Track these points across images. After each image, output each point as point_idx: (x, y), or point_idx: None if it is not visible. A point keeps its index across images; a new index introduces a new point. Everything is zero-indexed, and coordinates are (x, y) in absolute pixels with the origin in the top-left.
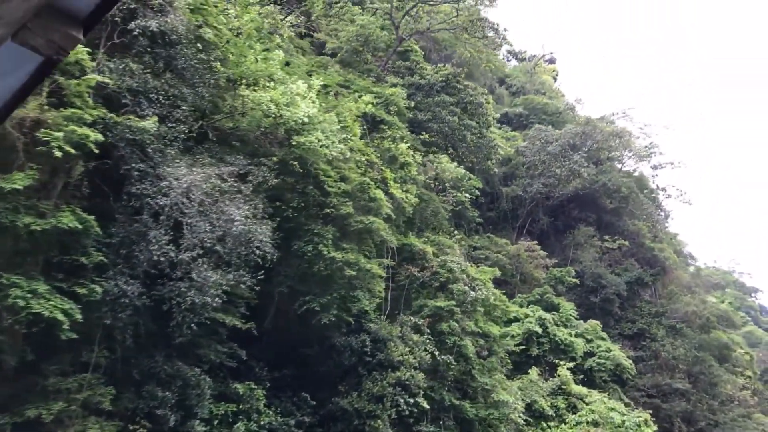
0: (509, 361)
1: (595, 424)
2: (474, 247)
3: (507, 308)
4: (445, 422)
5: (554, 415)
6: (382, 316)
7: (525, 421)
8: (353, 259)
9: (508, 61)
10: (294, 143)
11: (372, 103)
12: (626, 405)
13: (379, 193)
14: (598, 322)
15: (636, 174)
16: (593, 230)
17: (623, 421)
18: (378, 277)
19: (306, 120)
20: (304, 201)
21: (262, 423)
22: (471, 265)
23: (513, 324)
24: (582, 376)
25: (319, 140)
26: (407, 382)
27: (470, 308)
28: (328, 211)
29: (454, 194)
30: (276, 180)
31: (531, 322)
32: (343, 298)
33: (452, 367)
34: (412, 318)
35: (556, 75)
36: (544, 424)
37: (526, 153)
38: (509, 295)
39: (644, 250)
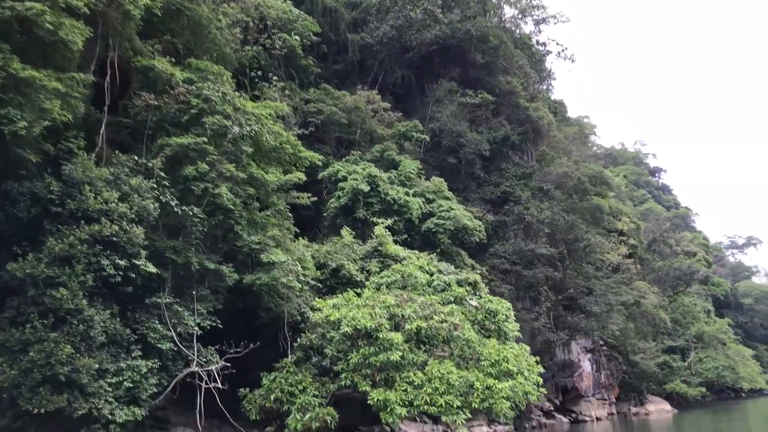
0: (289, 215)
1: (401, 285)
2: (306, 100)
3: (300, 153)
4: (199, 292)
5: (363, 280)
6: (97, 160)
7: (328, 287)
8: None
9: None
10: None
11: None
12: (472, 268)
13: None
14: (442, 180)
15: (518, 33)
16: (457, 85)
17: (431, 281)
18: (57, 92)
19: None
20: None
21: None
22: (241, 96)
23: (340, 183)
24: (418, 239)
25: None
26: (115, 239)
27: (232, 148)
28: None
29: (283, 37)
30: None
31: (357, 180)
32: None
33: (199, 220)
34: (135, 157)
35: None
36: (350, 291)
37: None
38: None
39: (519, 111)
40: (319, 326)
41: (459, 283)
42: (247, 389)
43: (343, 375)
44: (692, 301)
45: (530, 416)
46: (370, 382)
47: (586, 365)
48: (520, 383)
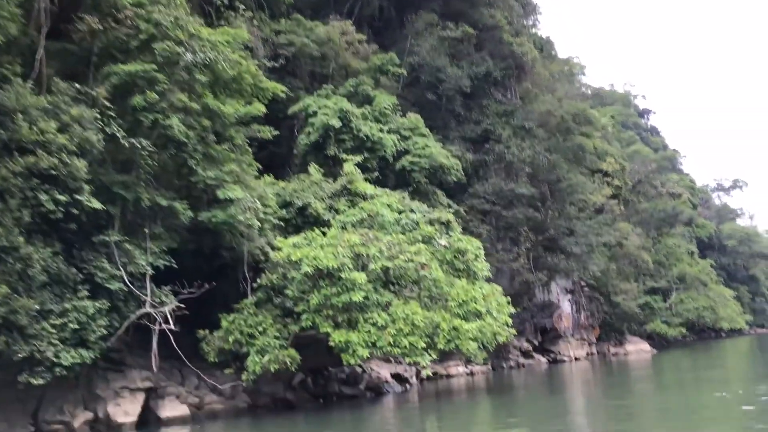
0: (248, 149)
1: (367, 224)
2: (277, 31)
3: (260, 84)
4: (153, 230)
5: (331, 218)
6: (38, 88)
7: (294, 226)
8: None
9: None
10: None
11: None
12: (449, 207)
13: None
14: (419, 116)
15: None
16: (438, 18)
17: (398, 219)
18: None
19: None
20: None
21: None
22: (194, 19)
23: (310, 119)
24: (392, 177)
25: None
26: (54, 173)
27: (185, 77)
28: None
29: None
30: None
31: (327, 115)
32: None
33: (149, 154)
34: (77, 85)
35: None
36: (315, 230)
37: None
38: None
39: (502, 46)
40: (280, 266)
41: (430, 223)
42: (207, 331)
43: (304, 316)
44: (676, 242)
45: (508, 356)
46: (332, 323)
47: (566, 306)
48: (489, 324)
